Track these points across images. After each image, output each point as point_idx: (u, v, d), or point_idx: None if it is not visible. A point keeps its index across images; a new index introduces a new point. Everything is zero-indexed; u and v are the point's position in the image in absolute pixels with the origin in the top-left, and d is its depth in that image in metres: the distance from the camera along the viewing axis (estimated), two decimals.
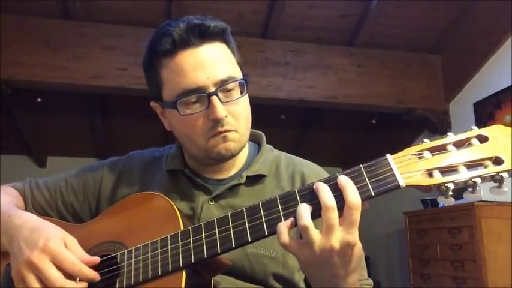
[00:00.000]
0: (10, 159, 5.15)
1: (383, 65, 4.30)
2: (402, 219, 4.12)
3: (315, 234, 0.69)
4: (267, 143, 1.09)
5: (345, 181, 0.71)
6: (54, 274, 0.78)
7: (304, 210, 0.70)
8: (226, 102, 0.89)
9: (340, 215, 0.70)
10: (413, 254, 3.88)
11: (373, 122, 5.02)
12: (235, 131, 0.91)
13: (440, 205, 3.88)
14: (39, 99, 4.42)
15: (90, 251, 0.89)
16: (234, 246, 0.76)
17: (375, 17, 3.96)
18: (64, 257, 0.80)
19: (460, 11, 3.98)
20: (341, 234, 0.69)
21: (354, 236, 0.69)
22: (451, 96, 4.32)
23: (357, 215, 0.69)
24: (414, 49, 4.35)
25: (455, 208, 3.39)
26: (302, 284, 0.96)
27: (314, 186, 0.72)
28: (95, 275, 0.82)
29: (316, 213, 0.71)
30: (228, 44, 0.94)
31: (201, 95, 0.88)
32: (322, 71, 4.19)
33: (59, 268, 0.79)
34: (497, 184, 0.64)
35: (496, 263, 3.04)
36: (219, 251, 0.77)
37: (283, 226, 0.72)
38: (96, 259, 0.84)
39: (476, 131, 0.68)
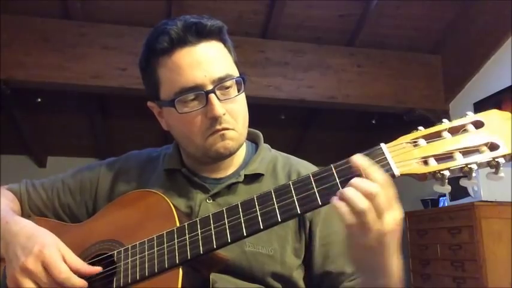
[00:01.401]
0: (10, 159, 5.14)
1: (383, 65, 4.29)
2: (402, 219, 4.10)
3: (373, 218, 0.67)
4: (267, 142, 1.09)
5: (363, 163, 0.69)
6: (47, 280, 0.79)
7: (356, 192, 0.68)
8: (224, 100, 0.89)
9: None
10: (413, 254, 3.87)
11: (373, 122, 5.01)
12: (233, 129, 0.91)
13: (441, 205, 3.87)
14: (39, 99, 4.41)
15: (87, 250, 0.90)
16: (229, 240, 0.76)
17: (375, 17, 3.96)
18: (53, 265, 0.80)
19: (460, 11, 3.98)
20: (392, 213, 0.69)
21: (398, 211, 0.69)
22: (451, 96, 4.31)
23: (391, 191, 0.68)
24: (414, 49, 4.35)
25: (455, 208, 3.39)
26: (301, 283, 0.95)
27: (352, 182, 0.70)
28: (83, 284, 0.81)
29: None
30: (224, 43, 0.94)
31: (199, 92, 0.88)
32: (322, 71, 4.19)
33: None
34: (493, 170, 0.64)
35: (496, 263, 3.03)
36: (215, 246, 0.77)
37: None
38: (95, 270, 0.84)
39: (471, 116, 0.68)
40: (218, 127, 0.89)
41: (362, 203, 0.67)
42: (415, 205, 4.13)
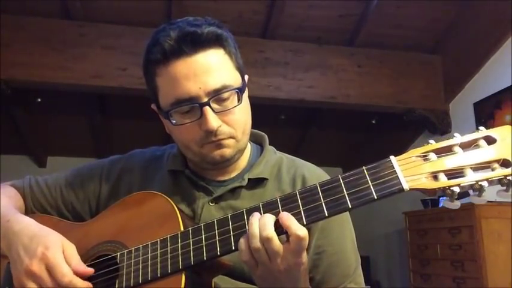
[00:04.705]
0: (10, 159, 5.12)
1: (383, 65, 4.29)
2: (402, 219, 4.11)
3: (265, 258, 0.73)
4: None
5: (287, 219, 0.73)
6: (52, 283, 0.79)
7: (256, 235, 0.73)
8: (220, 112, 0.88)
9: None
10: (413, 254, 3.88)
11: (373, 122, 5.01)
12: (230, 137, 0.90)
13: (440, 205, 3.87)
14: (39, 99, 4.40)
15: (90, 251, 0.89)
16: (233, 248, 0.76)
17: (375, 17, 3.95)
18: (57, 268, 0.80)
19: (460, 11, 3.98)
20: (288, 258, 0.73)
21: (294, 259, 0.73)
22: (451, 96, 4.31)
23: (304, 244, 0.73)
24: (414, 49, 4.35)
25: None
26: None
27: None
28: (86, 286, 0.81)
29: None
30: (224, 48, 0.90)
31: (194, 105, 0.86)
32: (322, 71, 4.18)
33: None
34: (504, 188, 0.62)
35: (496, 263, 3.04)
36: (219, 254, 0.77)
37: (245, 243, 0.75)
38: (90, 271, 0.84)
39: (483, 131, 0.66)
40: (213, 139, 0.88)
41: (255, 243, 0.72)
42: (415, 205, 4.13)
